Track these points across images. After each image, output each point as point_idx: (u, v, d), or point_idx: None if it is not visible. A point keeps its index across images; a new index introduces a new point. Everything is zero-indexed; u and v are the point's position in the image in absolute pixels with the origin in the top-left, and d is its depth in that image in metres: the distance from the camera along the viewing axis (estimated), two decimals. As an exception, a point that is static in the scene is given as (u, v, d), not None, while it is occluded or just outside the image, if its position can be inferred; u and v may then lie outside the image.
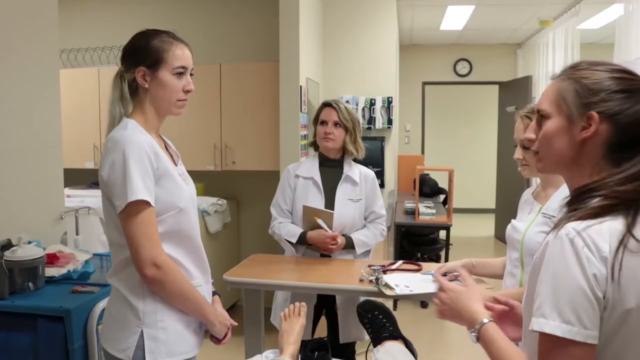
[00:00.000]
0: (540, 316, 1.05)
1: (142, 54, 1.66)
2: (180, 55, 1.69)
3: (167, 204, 1.63)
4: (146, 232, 1.55)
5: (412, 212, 5.25)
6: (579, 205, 1.11)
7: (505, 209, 7.98)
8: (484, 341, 1.23)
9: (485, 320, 1.24)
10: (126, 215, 1.54)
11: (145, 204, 1.55)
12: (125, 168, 1.53)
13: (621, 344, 1.05)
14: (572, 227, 1.05)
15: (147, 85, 1.67)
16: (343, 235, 2.77)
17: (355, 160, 2.94)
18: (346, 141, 2.79)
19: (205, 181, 4.91)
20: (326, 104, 2.84)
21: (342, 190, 2.82)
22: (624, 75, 1.12)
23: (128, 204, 1.53)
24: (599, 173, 1.12)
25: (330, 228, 2.70)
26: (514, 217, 2.19)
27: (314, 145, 2.92)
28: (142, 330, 1.61)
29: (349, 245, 2.77)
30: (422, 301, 5.28)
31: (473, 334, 1.26)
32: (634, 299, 1.02)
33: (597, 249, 1.02)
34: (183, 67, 1.69)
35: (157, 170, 1.61)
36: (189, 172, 1.81)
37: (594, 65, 1.15)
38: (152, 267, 1.55)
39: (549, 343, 1.04)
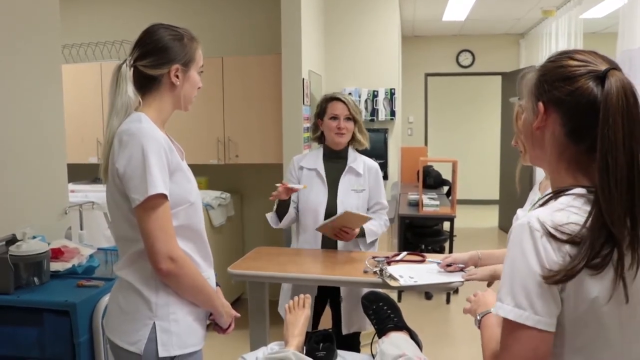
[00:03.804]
0: (498, 299, 1.09)
1: (178, 52, 1.68)
2: (201, 55, 1.76)
3: (180, 199, 1.64)
4: (163, 226, 1.55)
5: (415, 204, 5.25)
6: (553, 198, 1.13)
7: (509, 200, 7.96)
8: (483, 325, 1.29)
9: (492, 310, 1.27)
10: (143, 209, 1.54)
11: (163, 197, 1.55)
12: (144, 161, 1.53)
13: (593, 336, 1.08)
14: (535, 215, 1.07)
15: (178, 82, 1.69)
16: None
17: (359, 151, 2.94)
18: (355, 132, 2.82)
19: (209, 175, 4.92)
20: (334, 98, 2.83)
21: (346, 181, 2.84)
22: (572, 62, 1.12)
23: (147, 197, 1.52)
24: (568, 164, 1.14)
25: (358, 228, 2.73)
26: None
27: (319, 139, 2.93)
28: (154, 323, 1.62)
29: (360, 234, 2.78)
30: (427, 292, 5.28)
31: (478, 317, 1.32)
32: (596, 288, 1.04)
33: (555, 238, 1.04)
34: (203, 66, 1.77)
35: (171, 164, 1.61)
36: (193, 165, 1.81)
37: (557, 56, 1.17)
38: (168, 260, 1.55)
39: (505, 327, 1.08)
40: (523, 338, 1.05)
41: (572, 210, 1.07)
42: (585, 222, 1.05)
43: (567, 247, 1.04)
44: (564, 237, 1.04)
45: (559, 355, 1.10)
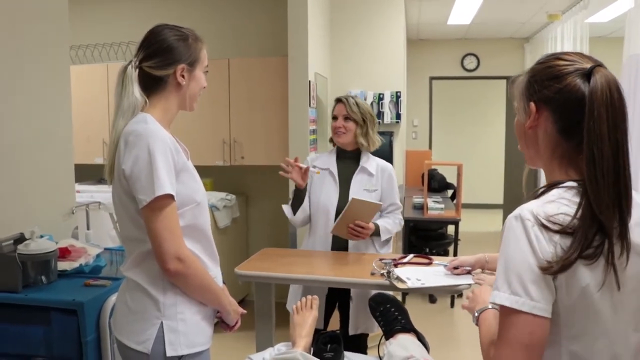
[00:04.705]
0: (495, 289, 1.12)
1: (183, 52, 1.68)
2: (206, 54, 1.77)
3: (186, 199, 1.63)
4: (170, 227, 1.55)
5: (420, 207, 5.24)
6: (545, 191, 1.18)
7: (514, 205, 7.84)
8: (480, 321, 1.32)
9: (490, 306, 1.32)
10: (151, 210, 1.54)
11: (170, 198, 1.55)
12: (151, 162, 1.53)
13: (589, 323, 1.12)
14: (527, 206, 1.13)
15: (184, 82, 1.69)
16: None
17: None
18: (357, 134, 2.82)
19: (214, 176, 4.92)
20: (337, 100, 2.91)
21: (358, 181, 2.85)
22: (560, 62, 1.17)
23: (155, 198, 1.52)
24: (560, 160, 1.18)
25: (371, 219, 2.72)
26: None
27: (332, 140, 2.97)
28: (161, 322, 1.61)
29: (375, 232, 2.79)
30: (431, 296, 5.28)
31: (476, 314, 1.36)
32: (587, 276, 1.08)
33: (546, 228, 1.08)
34: (208, 66, 1.77)
35: (177, 165, 1.61)
36: (198, 167, 1.81)
37: (545, 58, 1.22)
38: (176, 261, 1.55)
39: (502, 314, 1.12)
40: (519, 323, 1.08)
41: (562, 202, 1.12)
42: (576, 213, 1.09)
43: (558, 238, 1.08)
44: (556, 228, 1.08)
45: (556, 343, 1.13)
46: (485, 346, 1.21)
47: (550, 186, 1.17)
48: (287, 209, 2.89)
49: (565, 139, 1.16)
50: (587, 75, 1.12)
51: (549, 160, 1.21)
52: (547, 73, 1.17)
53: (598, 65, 1.14)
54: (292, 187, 2.94)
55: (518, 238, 1.10)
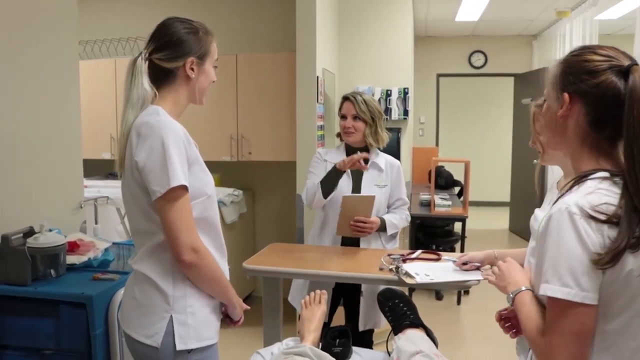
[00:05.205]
0: (544, 282, 1.17)
1: (193, 45, 1.68)
2: (216, 48, 1.77)
3: (197, 191, 1.63)
4: (185, 218, 1.55)
5: (427, 204, 5.23)
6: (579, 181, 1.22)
7: (520, 202, 7.92)
8: (517, 303, 1.34)
9: (524, 288, 1.35)
10: (165, 201, 1.53)
11: (184, 189, 1.55)
12: (165, 154, 1.53)
13: (625, 303, 1.15)
14: (571, 200, 1.16)
15: (193, 75, 1.69)
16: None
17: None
18: (366, 133, 2.82)
19: (222, 172, 4.92)
20: (345, 98, 2.88)
21: (369, 176, 2.86)
22: (596, 57, 1.21)
23: (169, 189, 1.52)
24: (590, 149, 1.23)
25: (370, 213, 2.71)
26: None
27: (340, 136, 2.95)
28: (171, 316, 1.61)
29: (381, 227, 2.79)
30: (437, 293, 5.27)
31: (511, 295, 1.38)
32: (631, 261, 1.12)
33: (594, 219, 1.12)
34: (217, 60, 1.78)
35: (190, 157, 1.61)
36: (206, 162, 1.80)
37: (579, 50, 1.27)
38: (191, 252, 1.55)
39: (552, 306, 1.16)
40: (571, 314, 1.13)
41: (602, 192, 1.16)
42: (619, 203, 1.14)
43: (606, 228, 1.12)
44: (603, 217, 1.12)
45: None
46: (532, 333, 1.23)
47: (580, 178, 1.21)
48: (312, 188, 2.79)
49: (595, 131, 1.22)
50: (624, 72, 1.17)
51: (579, 148, 1.25)
52: (583, 67, 1.21)
53: (635, 63, 1.18)
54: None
55: (566, 231, 1.13)
